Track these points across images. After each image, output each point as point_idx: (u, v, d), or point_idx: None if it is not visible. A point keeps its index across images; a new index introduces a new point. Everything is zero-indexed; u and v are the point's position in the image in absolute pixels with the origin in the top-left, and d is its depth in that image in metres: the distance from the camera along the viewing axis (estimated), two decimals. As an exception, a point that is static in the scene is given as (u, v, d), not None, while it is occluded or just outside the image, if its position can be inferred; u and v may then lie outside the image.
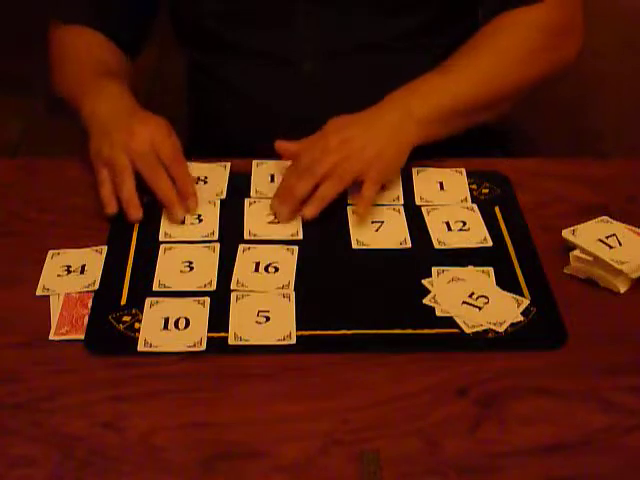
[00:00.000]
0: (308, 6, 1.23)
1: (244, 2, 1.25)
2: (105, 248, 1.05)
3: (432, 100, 1.16)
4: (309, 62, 1.26)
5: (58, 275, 1.02)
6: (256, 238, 1.07)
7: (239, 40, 1.27)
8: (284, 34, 1.26)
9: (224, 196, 1.15)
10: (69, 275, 1.02)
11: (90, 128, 1.16)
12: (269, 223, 1.10)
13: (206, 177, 1.18)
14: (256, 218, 1.10)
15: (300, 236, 1.07)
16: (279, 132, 1.16)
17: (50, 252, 1.05)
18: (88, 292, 1.00)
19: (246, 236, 1.07)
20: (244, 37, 1.27)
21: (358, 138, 1.10)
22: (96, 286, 1.00)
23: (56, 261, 1.04)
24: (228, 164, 1.20)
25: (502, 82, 1.21)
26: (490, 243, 1.07)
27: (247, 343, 0.93)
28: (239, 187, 1.16)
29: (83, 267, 1.03)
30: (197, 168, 1.18)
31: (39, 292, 1.00)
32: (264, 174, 1.18)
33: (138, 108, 1.18)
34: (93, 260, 1.04)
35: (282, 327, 0.95)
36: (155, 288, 1.00)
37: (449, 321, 0.96)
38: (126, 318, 0.96)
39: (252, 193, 1.15)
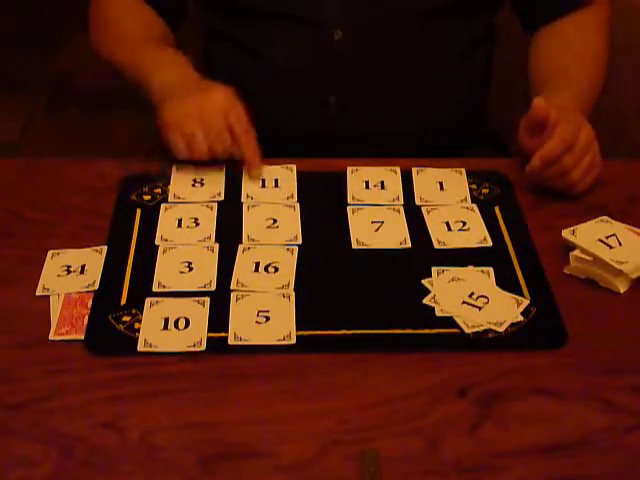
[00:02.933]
0: None
1: None
2: (105, 248, 1.05)
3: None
4: (340, 30, 1.26)
5: (58, 275, 1.02)
6: (254, 244, 1.06)
7: (271, 3, 1.27)
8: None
9: (222, 198, 1.14)
10: (69, 275, 1.02)
11: (162, 97, 1.18)
12: (267, 228, 1.09)
13: (202, 179, 1.17)
14: (254, 222, 1.10)
15: (299, 241, 1.07)
16: (299, 101, 1.16)
17: (50, 252, 1.05)
18: (88, 292, 1.00)
19: (244, 241, 1.07)
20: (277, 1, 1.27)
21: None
22: (96, 286, 1.00)
23: (56, 261, 1.04)
24: (223, 165, 1.19)
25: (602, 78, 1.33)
26: (490, 243, 1.07)
27: (247, 343, 0.93)
28: (236, 189, 1.15)
29: (83, 267, 1.03)
30: (192, 170, 1.18)
31: (39, 292, 1.00)
32: (255, 179, 1.17)
33: (201, 77, 1.21)
34: (93, 260, 1.04)
35: (282, 327, 0.95)
36: (155, 289, 1.00)
37: (449, 321, 0.96)
38: (126, 318, 0.96)
39: (242, 198, 1.14)
